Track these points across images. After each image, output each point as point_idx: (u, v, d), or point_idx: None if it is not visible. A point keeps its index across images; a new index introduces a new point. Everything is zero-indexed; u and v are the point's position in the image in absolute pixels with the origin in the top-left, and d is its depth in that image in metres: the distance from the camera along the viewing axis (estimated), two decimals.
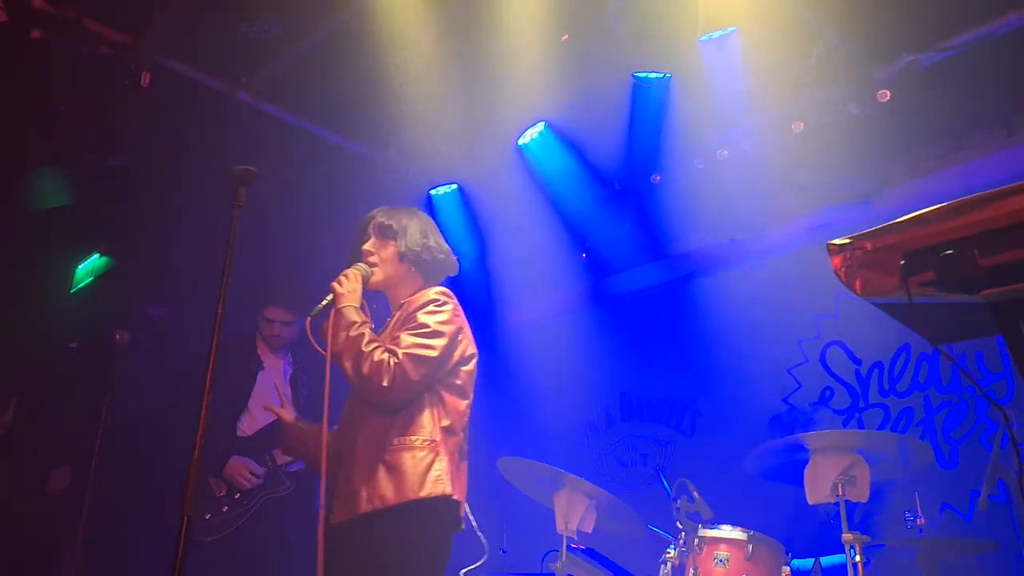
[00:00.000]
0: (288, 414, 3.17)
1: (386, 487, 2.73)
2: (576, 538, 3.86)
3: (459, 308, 3.04)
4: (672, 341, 5.66)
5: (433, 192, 5.83)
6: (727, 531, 3.62)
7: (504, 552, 4.33)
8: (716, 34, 4.42)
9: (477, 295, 5.97)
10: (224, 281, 2.37)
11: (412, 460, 2.78)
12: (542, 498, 4.06)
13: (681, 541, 3.73)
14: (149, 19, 4.41)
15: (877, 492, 3.66)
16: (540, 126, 5.32)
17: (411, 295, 3.09)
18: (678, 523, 3.77)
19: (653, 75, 4.80)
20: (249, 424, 4.46)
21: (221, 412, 4.22)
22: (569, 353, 5.93)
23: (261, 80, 4.81)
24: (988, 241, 1.35)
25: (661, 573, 3.71)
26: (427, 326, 2.90)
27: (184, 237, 4.92)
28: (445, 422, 2.90)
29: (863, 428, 4.76)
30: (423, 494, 2.74)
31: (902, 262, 1.43)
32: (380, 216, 3.16)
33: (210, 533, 4.09)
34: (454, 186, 5.81)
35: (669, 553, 3.73)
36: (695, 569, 3.58)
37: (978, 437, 4.42)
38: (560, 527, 3.85)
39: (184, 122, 4.76)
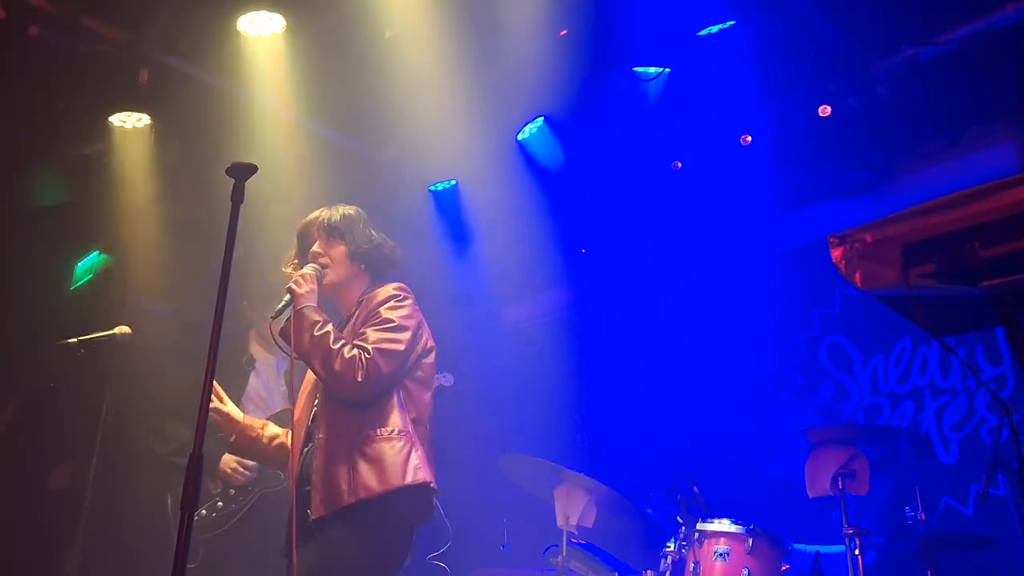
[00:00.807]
0: (235, 412, 3.18)
1: (369, 478, 2.78)
2: (576, 533, 3.86)
3: (416, 303, 3.09)
4: (672, 336, 5.65)
5: (432, 188, 5.84)
6: (727, 525, 3.61)
7: (504, 547, 4.34)
8: (715, 28, 4.42)
9: (476, 291, 5.97)
10: (225, 277, 2.36)
11: (392, 450, 2.83)
12: (542, 493, 4.06)
13: (681, 535, 3.73)
14: (147, 16, 4.40)
15: (877, 486, 3.66)
16: (539, 121, 5.32)
17: (364, 293, 3.12)
18: (678, 517, 3.77)
19: (652, 70, 4.79)
20: None
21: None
22: (568, 349, 5.92)
23: (260, 77, 4.80)
24: (988, 232, 1.35)
25: (661, 567, 3.71)
26: (392, 321, 2.94)
27: (183, 234, 4.91)
28: (413, 414, 2.97)
29: (863, 422, 4.76)
30: (407, 482, 2.80)
31: (902, 254, 1.43)
32: (323, 217, 3.16)
33: (206, 530, 4.07)
34: (453, 182, 5.81)
35: (669, 547, 3.73)
36: (695, 563, 3.57)
37: (978, 431, 4.43)
38: (560, 522, 3.85)
39: (182, 119, 4.75)
